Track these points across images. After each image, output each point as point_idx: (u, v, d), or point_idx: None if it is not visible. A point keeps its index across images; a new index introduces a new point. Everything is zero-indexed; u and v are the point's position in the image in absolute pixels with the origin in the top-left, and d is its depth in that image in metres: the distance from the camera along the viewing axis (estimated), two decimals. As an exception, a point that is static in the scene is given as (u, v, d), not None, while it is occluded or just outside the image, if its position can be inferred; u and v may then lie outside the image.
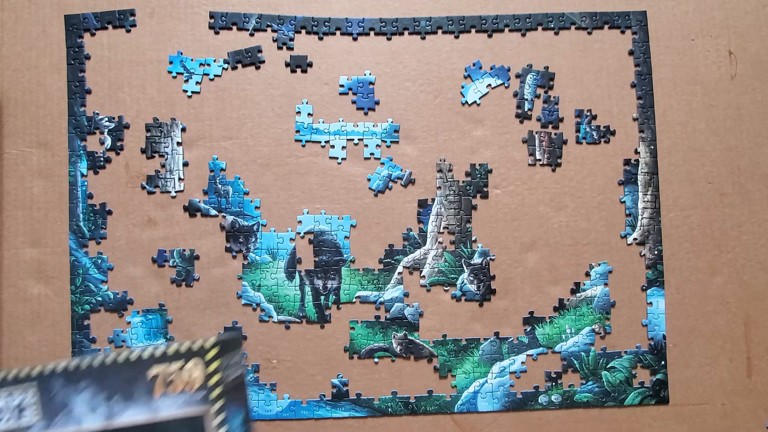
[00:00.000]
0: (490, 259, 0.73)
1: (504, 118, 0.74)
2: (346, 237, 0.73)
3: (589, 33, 0.75)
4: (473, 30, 0.75)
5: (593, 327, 0.73)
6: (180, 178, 0.72)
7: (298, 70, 0.74)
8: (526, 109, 0.74)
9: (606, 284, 0.73)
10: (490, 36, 0.75)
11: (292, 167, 0.73)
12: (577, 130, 0.74)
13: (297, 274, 0.72)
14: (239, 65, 0.73)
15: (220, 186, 0.72)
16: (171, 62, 0.73)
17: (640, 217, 0.74)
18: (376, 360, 0.72)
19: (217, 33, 0.74)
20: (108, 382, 0.47)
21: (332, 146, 0.73)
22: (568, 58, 0.75)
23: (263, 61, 0.73)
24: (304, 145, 0.73)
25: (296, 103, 0.73)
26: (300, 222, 0.73)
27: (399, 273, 0.73)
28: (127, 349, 0.47)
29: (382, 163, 0.73)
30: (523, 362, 0.73)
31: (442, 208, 0.73)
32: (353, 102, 0.74)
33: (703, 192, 0.74)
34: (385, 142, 0.74)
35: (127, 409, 0.46)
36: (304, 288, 0.72)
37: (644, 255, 0.74)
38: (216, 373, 0.47)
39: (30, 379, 0.46)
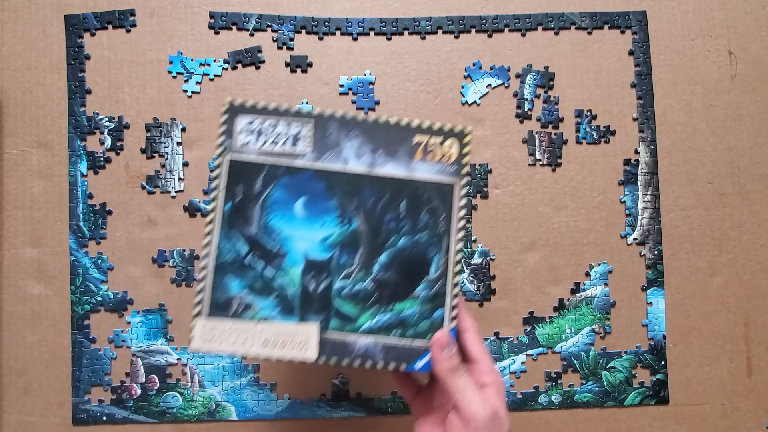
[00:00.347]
0: (490, 259, 0.73)
1: (504, 118, 0.74)
2: (346, 237, 0.73)
3: (589, 33, 0.75)
4: (473, 30, 0.75)
5: (593, 327, 0.73)
6: (180, 178, 0.72)
7: (298, 70, 0.74)
8: (526, 109, 0.74)
9: (606, 284, 0.73)
10: (490, 36, 0.75)
11: (292, 167, 0.73)
12: (577, 130, 0.74)
13: (297, 273, 0.72)
14: (239, 65, 0.73)
15: (220, 186, 0.72)
16: (171, 62, 0.73)
17: (640, 217, 0.74)
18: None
19: (217, 33, 0.74)
20: (376, 137, 0.52)
21: (332, 146, 0.73)
22: (568, 58, 0.75)
23: (263, 61, 0.73)
24: (304, 145, 0.73)
25: (296, 103, 0.73)
26: (300, 222, 0.73)
27: (399, 272, 0.73)
28: (396, 117, 0.53)
29: (382, 163, 0.73)
30: (523, 362, 0.73)
31: (443, 207, 0.74)
32: (353, 102, 0.74)
33: (703, 192, 0.74)
34: (385, 142, 0.74)
35: (388, 163, 0.52)
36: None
37: (644, 255, 0.74)
38: (467, 155, 0.53)
39: (310, 116, 0.52)
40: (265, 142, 0.51)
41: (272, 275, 0.51)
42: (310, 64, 0.74)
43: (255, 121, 0.52)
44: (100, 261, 0.71)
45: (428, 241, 0.52)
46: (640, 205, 0.74)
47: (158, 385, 0.71)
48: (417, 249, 0.52)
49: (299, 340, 0.50)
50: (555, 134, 0.74)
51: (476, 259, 0.73)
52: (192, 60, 0.73)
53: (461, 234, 0.52)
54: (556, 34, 0.75)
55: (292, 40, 0.74)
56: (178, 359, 0.71)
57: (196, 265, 0.72)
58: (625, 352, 0.73)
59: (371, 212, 0.52)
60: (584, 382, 0.72)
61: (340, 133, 0.52)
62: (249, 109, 0.52)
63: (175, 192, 0.72)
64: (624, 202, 0.74)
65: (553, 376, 0.72)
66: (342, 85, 0.74)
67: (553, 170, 0.74)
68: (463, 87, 0.74)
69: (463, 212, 0.52)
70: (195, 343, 0.49)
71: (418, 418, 0.54)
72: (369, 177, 0.52)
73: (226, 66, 0.73)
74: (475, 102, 0.74)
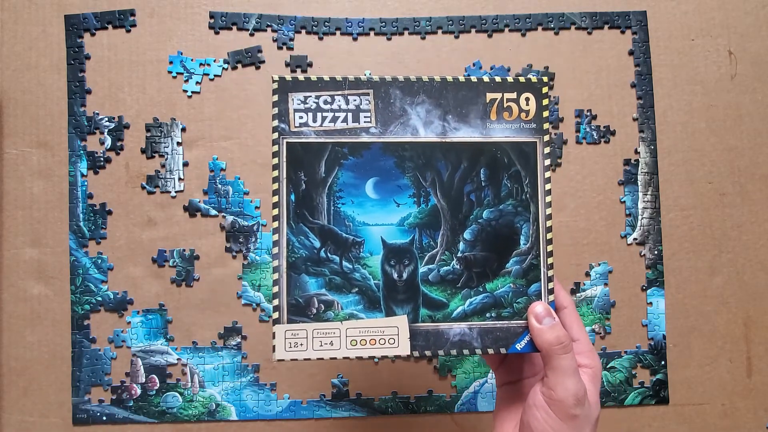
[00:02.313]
0: (490, 259, 0.73)
1: (504, 118, 0.74)
2: (346, 237, 0.73)
3: (589, 33, 0.75)
4: (473, 30, 0.75)
5: (593, 327, 0.73)
6: (180, 178, 0.72)
7: (298, 70, 0.74)
8: (526, 109, 0.74)
9: (606, 284, 0.73)
10: (490, 36, 0.75)
11: (292, 167, 0.73)
12: (577, 130, 0.74)
13: (297, 273, 0.72)
14: (239, 65, 0.73)
15: (220, 186, 0.72)
16: (171, 62, 0.73)
17: (640, 217, 0.74)
18: (376, 360, 0.72)
19: (217, 33, 0.74)
20: (444, 100, 0.48)
21: (332, 146, 0.73)
22: (568, 58, 0.75)
23: (263, 61, 0.73)
24: (304, 145, 0.73)
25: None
26: (300, 222, 0.73)
27: (399, 272, 0.73)
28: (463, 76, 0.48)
29: (382, 163, 0.73)
30: (523, 362, 0.72)
31: (443, 207, 0.73)
32: (353, 102, 0.74)
33: (703, 192, 0.74)
34: (385, 142, 0.73)
35: (461, 127, 0.48)
36: (304, 288, 0.72)
37: (644, 255, 0.74)
38: (546, 109, 0.49)
39: (367, 85, 0.48)
40: (324, 120, 0.47)
41: (351, 268, 0.47)
42: (310, 64, 0.74)
43: (309, 97, 0.47)
44: (100, 261, 0.71)
45: (514, 209, 0.48)
46: (640, 205, 0.74)
47: (158, 385, 0.71)
48: (503, 220, 0.48)
49: (389, 336, 0.47)
50: (555, 134, 0.74)
51: (476, 259, 0.73)
52: (192, 60, 0.73)
53: (548, 198, 0.48)
54: (556, 34, 0.75)
55: (292, 40, 0.74)
56: (178, 359, 0.71)
57: (196, 265, 0.72)
58: (625, 352, 0.73)
59: (449, 185, 0.48)
60: (584, 382, 0.72)
61: (404, 100, 0.48)
62: (302, 85, 0.47)
63: (175, 192, 0.72)
64: (624, 202, 0.74)
65: (553, 376, 0.72)
66: (342, 85, 0.74)
67: (553, 170, 0.74)
68: (463, 87, 0.74)
69: (548, 173, 0.48)
70: (278, 353, 0.46)
71: (500, 386, 0.52)
72: (442, 145, 0.48)
73: (226, 66, 0.73)
74: (475, 102, 0.74)
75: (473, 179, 0.48)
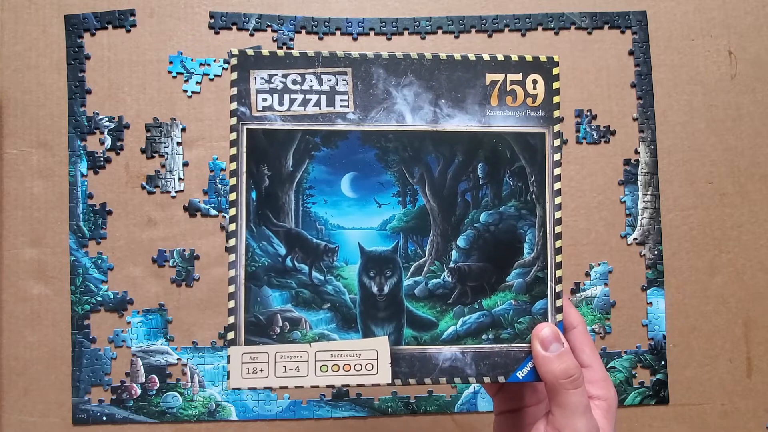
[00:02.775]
0: (490, 259, 0.73)
1: (504, 118, 0.74)
2: (346, 237, 0.72)
3: (589, 33, 0.75)
4: (473, 30, 0.75)
5: (593, 327, 0.73)
6: (180, 178, 0.72)
7: (298, 70, 0.74)
8: (526, 109, 0.74)
9: (606, 284, 0.73)
10: (490, 36, 0.75)
11: (292, 167, 0.73)
12: (577, 130, 0.74)
13: (297, 274, 0.72)
14: (239, 65, 0.73)
15: (220, 186, 0.72)
16: (171, 62, 0.73)
17: (640, 217, 0.74)
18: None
19: (217, 33, 0.74)
20: (436, 82, 0.41)
21: (332, 146, 0.73)
22: (568, 58, 0.75)
23: (263, 61, 0.73)
24: (304, 145, 0.73)
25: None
26: (300, 222, 0.72)
27: (399, 273, 0.72)
28: (459, 53, 0.42)
29: (382, 163, 0.73)
30: (523, 362, 0.72)
31: (443, 207, 0.73)
32: (353, 102, 0.74)
33: (703, 192, 0.74)
34: (385, 141, 0.73)
35: (456, 114, 0.41)
36: (304, 288, 0.72)
37: (644, 255, 0.74)
38: (557, 93, 0.42)
39: (345, 62, 0.40)
40: (293, 103, 0.40)
41: (322, 279, 0.41)
42: (310, 64, 0.74)
43: (275, 76, 0.40)
44: (100, 261, 0.71)
45: (517, 212, 0.41)
46: (640, 205, 0.74)
47: (158, 385, 0.71)
48: (504, 225, 0.41)
49: (366, 361, 0.40)
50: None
51: (476, 259, 0.73)
52: (192, 60, 0.73)
53: (558, 199, 0.41)
54: (556, 34, 0.75)
55: (292, 40, 0.74)
56: (178, 359, 0.71)
57: (196, 265, 0.72)
58: (625, 352, 0.73)
59: (440, 183, 0.41)
60: (584, 382, 0.72)
61: (388, 81, 0.41)
62: (267, 61, 0.40)
63: (175, 192, 0.72)
64: (624, 202, 0.74)
65: (553, 376, 0.72)
66: (342, 85, 0.74)
67: (553, 170, 0.74)
68: (463, 87, 0.74)
69: (558, 170, 0.41)
70: (234, 381, 0.39)
71: (498, 414, 0.46)
72: (433, 135, 0.41)
73: (226, 66, 0.73)
74: (475, 102, 0.74)
75: (469, 176, 0.42)
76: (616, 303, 0.73)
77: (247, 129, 0.40)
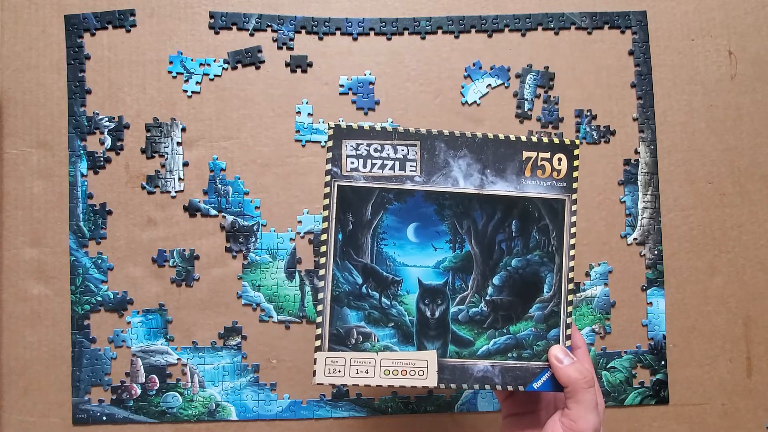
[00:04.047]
0: (490, 259, 0.73)
1: (504, 118, 0.74)
2: (346, 237, 0.73)
3: (589, 33, 0.75)
4: (473, 30, 0.75)
5: (593, 327, 0.73)
6: (180, 178, 0.72)
7: (298, 70, 0.74)
8: (526, 109, 0.74)
9: (606, 284, 0.73)
10: (490, 36, 0.75)
11: (292, 167, 0.73)
12: (577, 130, 0.74)
13: (297, 274, 0.72)
14: (239, 65, 0.73)
15: (220, 186, 0.72)
16: (171, 62, 0.73)
17: (640, 217, 0.74)
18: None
19: (217, 33, 0.74)
20: (484, 155, 0.51)
21: (332, 146, 0.73)
22: (568, 58, 0.75)
23: (263, 61, 0.73)
24: (304, 145, 0.73)
25: (296, 103, 0.73)
26: (300, 222, 0.73)
27: (399, 273, 0.73)
28: (503, 133, 0.52)
29: (382, 163, 0.73)
30: (523, 362, 0.73)
31: (443, 207, 0.73)
32: (353, 102, 0.74)
33: (703, 192, 0.74)
34: (385, 142, 0.74)
35: (498, 181, 0.52)
36: (304, 288, 0.72)
37: (644, 255, 0.74)
38: (576, 169, 0.52)
39: (415, 137, 0.51)
40: (374, 167, 0.51)
41: (389, 304, 0.51)
42: (310, 64, 0.74)
43: (361, 145, 0.51)
44: (100, 261, 0.71)
45: (540, 260, 0.52)
46: (640, 205, 0.74)
47: (158, 385, 0.71)
48: (529, 269, 0.52)
49: (419, 368, 0.50)
50: (555, 134, 0.74)
51: (476, 259, 0.73)
52: (192, 60, 0.73)
53: (572, 251, 0.52)
54: (556, 34, 0.75)
55: (292, 40, 0.74)
56: (178, 359, 0.71)
57: (196, 265, 0.72)
58: (625, 352, 0.73)
59: (482, 234, 0.52)
60: (584, 382, 0.72)
61: (447, 153, 0.51)
62: (355, 133, 0.51)
63: (175, 192, 0.72)
64: (624, 202, 0.74)
65: (553, 376, 0.72)
66: (342, 85, 0.74)
67: (553, 170, 0.74)
68: (463, 87, 0.74)
69: (573, 229, 0.52)
70: (318, 378, 0.49)
71: (506, 417, 0.56)
72: (479, 197, 0.51)
73: (226, 66, 0.73)
74: (475, 102, 0.74)
75: (505, 229, 0.52)
76: (616, 303, 0.73)
77: (338, 185, 0.50)
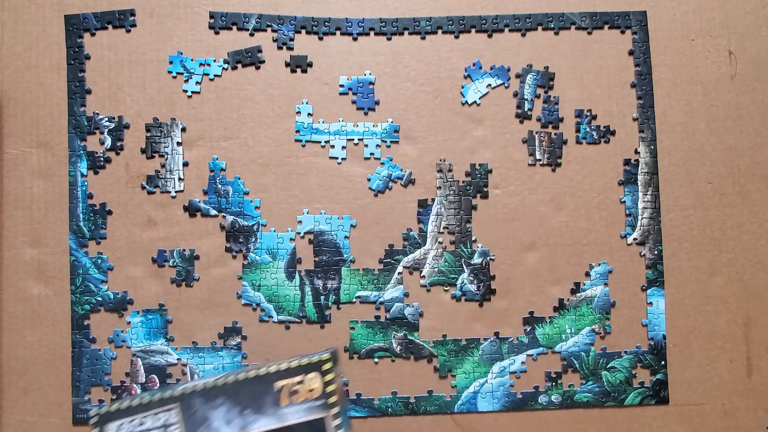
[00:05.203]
0: (490, 259, 0.73)
1: (504, 118, 0.74)
2: (346, 237, 0.73)
3: (589, 33, 0.75)
4: (473, 30, 0.75)
5: (593, 327, 0.73)
6: (180, 178, 0.72)
7: (298, 70, 0.74)
8: (526, 109, 0.74)
9: (606, 284, 0.73)
10: (490, 36, 0.75)
11: (292, 167, 0.73)
12: (577, 130, 0.74)
13: (297, 274, 0.72)
14: (239, 65, 0.73)
15: (220, 186, 0.72)
16: (171, 62, 0.73)
17: (640, 217, 0.74)
18: (376, 360, 0.72)
19: (217, 33, 0.74)
20: (240, 397, 0.53)
21: (332, 146, 0.73)
22: (568, 58, 0.75)
23: (263, 61, 0.73)
24: (304, 145, 0.73)
25: (296, 103, 0.73)
26: (300, 222, 0.73)
27: (399, 273, 0.73)
28: (254, 366, 0.54)
29: (382, 163, 0.73)
30: (523, 362, 0.73)
31: (442, 208, 0.73)
32: (353, 102, 0.74)
33: (703, 192, 0.74)
34: (385, 142, 0.74)
35: (258, 419, 0.52)
36: (304, 288, 0.72)
37: (644, 255, 0.74)
38: (331, 383, 0.53)
39: (173, 399, 0.53)
40: None
41: None
42: (310, 64, 0.74)
43: (123, 424, 0.53)
44: (100, 261, 0.71)
45: None
46: (640, 205, 0.74)
47: (158, 385, 0.71)
48: None
49: None
50: (555, 134, 0.74)
51: (476, 259, 0.73)
52: (192, 60, 0.73)
53: None
54: (556, 34, 0.75)
55: (292, 40, 0.74)
56: (178, 359, 0.71)
57: (196, 265, 0.72)
58: (625, 352, 0.73)
59: None
60: (584, 382, 0.72)
61: (205, 407, 0.52)
62: (115, 414, 0.53)
63: (175, 192, 0.72)
64: (624, 202, 0.74)
65: (553, 376, 0.72)
66: (342, 85, 0.74)
67: (553, 170, 0.74)
68: (463, 87, 0.74)
69: None
70: None
71: None
72: None
73: (226, 66, 0.73)
74: (475, 102, 0.74)
75: None
76: (616, 303, 0.73)
77: None
